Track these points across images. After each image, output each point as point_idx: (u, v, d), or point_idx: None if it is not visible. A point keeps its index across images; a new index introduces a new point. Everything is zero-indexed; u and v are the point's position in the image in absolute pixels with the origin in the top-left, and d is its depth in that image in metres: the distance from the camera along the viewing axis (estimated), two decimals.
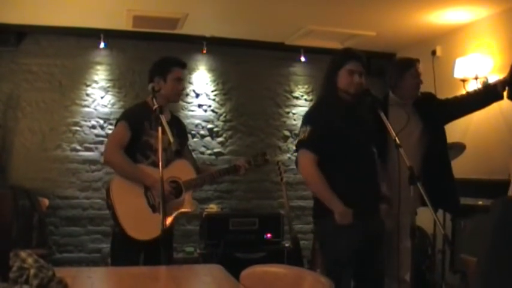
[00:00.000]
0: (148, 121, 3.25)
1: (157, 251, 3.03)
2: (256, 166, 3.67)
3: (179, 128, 3.49)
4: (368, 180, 2.97)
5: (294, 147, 5.91)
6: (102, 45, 5.43)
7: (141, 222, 3.13)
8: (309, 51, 6.02)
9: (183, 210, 3.31)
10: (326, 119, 2.95)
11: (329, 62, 3.07)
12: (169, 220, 3.20)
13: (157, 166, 3.11)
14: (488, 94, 3.31)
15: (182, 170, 3.33)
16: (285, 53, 6.04)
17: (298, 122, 6.10)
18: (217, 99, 5.90)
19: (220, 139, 5.86)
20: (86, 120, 5.45)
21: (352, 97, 2.95)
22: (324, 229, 3.04)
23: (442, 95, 5.18)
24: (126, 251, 3.11)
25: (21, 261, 1.58)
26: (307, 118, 3.05)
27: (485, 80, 4.72)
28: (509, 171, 2.08)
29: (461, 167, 4.54)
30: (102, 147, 4.95)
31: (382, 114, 2.84)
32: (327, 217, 2.90)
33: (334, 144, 2.92)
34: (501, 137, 4.62)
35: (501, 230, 2.01)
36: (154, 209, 3.18)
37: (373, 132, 2.97)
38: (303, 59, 6.06)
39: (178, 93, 3.42)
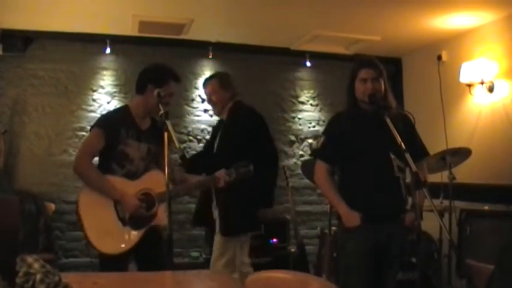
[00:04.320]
0: (125, 128, 3.11)
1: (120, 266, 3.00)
2: (238, 178, 3.40)
3: (160, 136, 3.28)
4: (385, 187, 2.96)
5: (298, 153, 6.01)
6: (108, 50, 5.45)
7: (110, 236, 3.04)
8: (315, 56, 6.02)
9: (153, 224, 3.13)
10: (341, 129, 3.08)
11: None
12: (138, 235, 3.09)
13: (132, 176, 3.10)
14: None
15: (156, 181, 3.09)
16: (291, 58, 6.04)
17: (304, 127, 6.12)
18: None
19: None
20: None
21: (370, 105, 2.99)
22: (339, 232, 3.20)
23: (448, 100, 5.23)
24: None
25: (27, 267, 1.58)
26: (325, 128, 3.21)
27: (491, 84, 4.72)
28: None
29: (467, 172, 4.54)
30: None
31: (388, 120, 2.83)
32: (340, 221, 3.06)
33: (348, 151, 3.03)
34: (507, 142, 4.60)
35: None
36: (124, 222, 3.06)
37: (393, 139, 2.80)
38: (308, 64, 6.06)
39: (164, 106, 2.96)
